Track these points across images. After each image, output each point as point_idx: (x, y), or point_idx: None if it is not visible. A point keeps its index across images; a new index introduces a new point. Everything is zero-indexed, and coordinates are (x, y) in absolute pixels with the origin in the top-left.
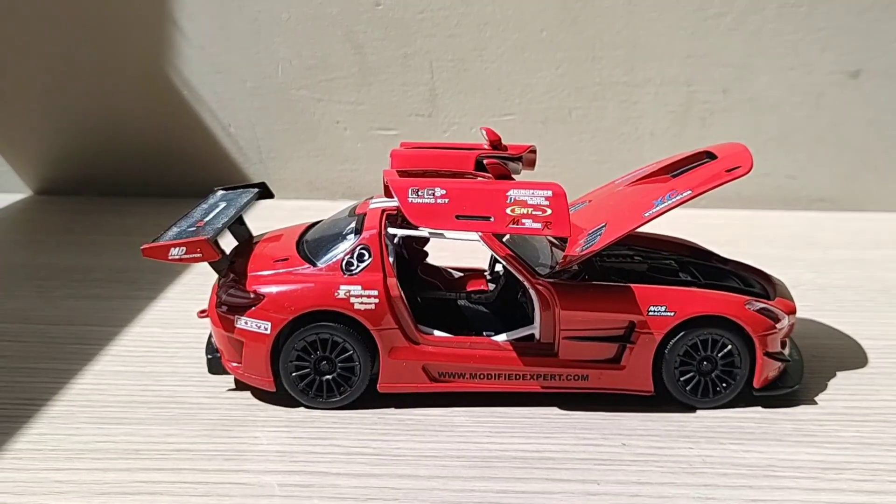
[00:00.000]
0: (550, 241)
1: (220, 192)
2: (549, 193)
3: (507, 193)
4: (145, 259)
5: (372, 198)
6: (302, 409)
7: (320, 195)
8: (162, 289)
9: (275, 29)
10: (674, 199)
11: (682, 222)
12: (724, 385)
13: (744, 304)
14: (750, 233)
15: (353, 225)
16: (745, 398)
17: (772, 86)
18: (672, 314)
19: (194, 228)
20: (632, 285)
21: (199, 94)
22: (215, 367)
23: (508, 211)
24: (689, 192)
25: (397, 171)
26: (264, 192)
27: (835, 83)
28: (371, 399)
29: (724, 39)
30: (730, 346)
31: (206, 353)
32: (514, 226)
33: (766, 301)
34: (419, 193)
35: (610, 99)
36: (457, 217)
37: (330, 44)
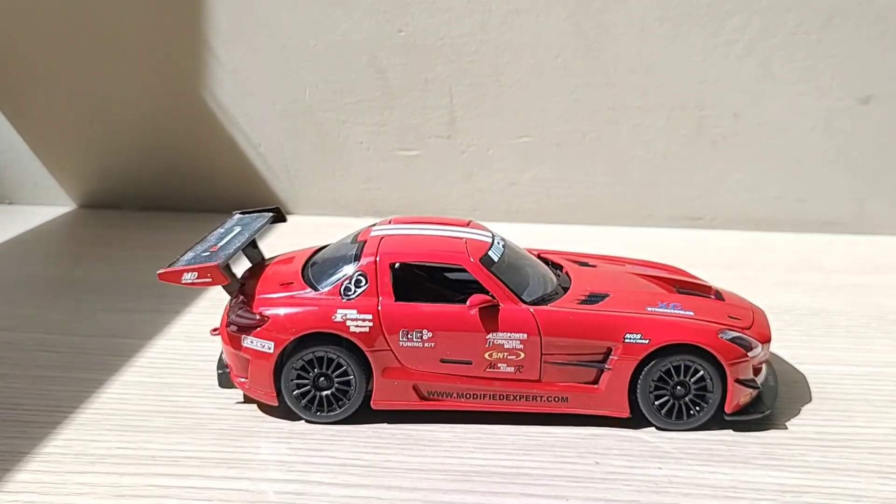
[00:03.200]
0: (548, 267)
1: (237, 216)
2: (524, 336)
3: (487, 338)
4: None
5: (374, 224)
6: (303, 422)
7: (344, 212)
8: (189, 303)
9: (303, 55)
10: (676, 312)
11: (694, 238)
12: (697, 409)
13: (717, 332)
14: (755, 256)
15: (353, 252)
16: (720, 422)
17: (783, 111)
18: (647, 342)
19: (208, 253)
20: (609, 314)
21: (231, 116)
22: (225, 381)
23: (486, 356)
24: (692, 313)
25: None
26: (278, 216)
27: (845, 109)
28: (367, 414)
29: (736, 65)
30: (702, 372)
31: (217, 369)
32: (491, 370)
33: (740, 329)
34: (409, 336)
35: (623, 123)
36: (441, 361)
37: (355, 69)
